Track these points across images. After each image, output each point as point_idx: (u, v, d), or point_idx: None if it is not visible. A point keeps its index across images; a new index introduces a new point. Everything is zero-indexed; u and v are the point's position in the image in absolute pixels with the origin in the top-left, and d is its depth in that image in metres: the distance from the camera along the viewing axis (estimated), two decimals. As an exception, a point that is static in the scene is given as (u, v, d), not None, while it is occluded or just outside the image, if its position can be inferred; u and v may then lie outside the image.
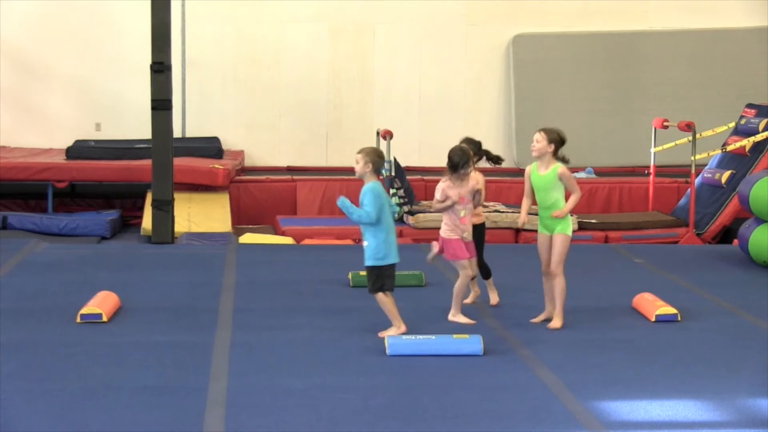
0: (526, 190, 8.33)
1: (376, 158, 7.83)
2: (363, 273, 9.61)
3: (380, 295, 7.93)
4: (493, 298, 9.01)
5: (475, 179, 8.51)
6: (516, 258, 11.33)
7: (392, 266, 7.92)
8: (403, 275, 9.72)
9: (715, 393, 6.70)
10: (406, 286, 9.58)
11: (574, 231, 13.07)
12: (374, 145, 14.40)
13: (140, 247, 12.30)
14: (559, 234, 8.23)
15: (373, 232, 7.78)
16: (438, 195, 8.35)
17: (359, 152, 7.83)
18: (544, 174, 8.19)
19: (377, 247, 7.82)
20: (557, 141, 8.24)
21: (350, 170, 13.27)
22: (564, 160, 8.26)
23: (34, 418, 6.08)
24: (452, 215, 8.31)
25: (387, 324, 8.10)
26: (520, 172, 16.38)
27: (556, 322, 8.21)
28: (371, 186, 7.78)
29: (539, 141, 8.24)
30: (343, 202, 7.74)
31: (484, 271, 8.98)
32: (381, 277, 7.88)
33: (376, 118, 16.51)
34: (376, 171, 7.85)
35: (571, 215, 8.70)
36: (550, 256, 8.28)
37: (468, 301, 8.81)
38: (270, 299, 9.14)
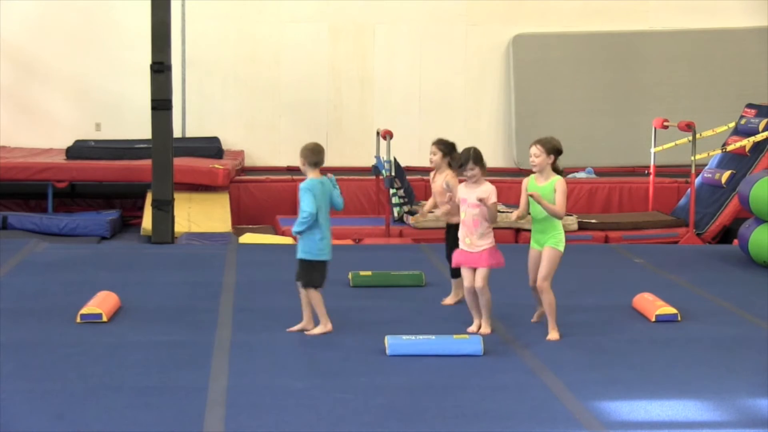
0: (522, 203, 8.01)
1: (307, 153, 7.89)
2: (363, 273, 9.68)
3: (311, 291, 7.96)
4: (451, 298, 8.81)
5: (451, 176, 8.37)
6: (516, 258, 11.31)
7: (324, 263, 7.94)
8: (403, 275, 9.74)
9: (715, 393, 6.70)
10: (406, 286, 9.58)
11: (573, 231, 13.26)
12: (374, 145, 14.44)
13: (140, 247, 12.30)
14: (548, 247, 7.97)
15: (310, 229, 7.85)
16: None
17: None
18: (542, 185, 7.92)
19: (310, 243, 7.85)
20: (556, 151, 7.98)
21: (351, 170, 13.36)
22: (560, 172, 8.00)
23: (34, 418, 6.08)
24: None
25: (385, 323, 8.11)
26: (519, 172, 16.39)
27: (553, 335, 7.95)
28: (305, 184, 7.82)
29: (538, 155, 7.91)
30: (294, 230, 7.89)
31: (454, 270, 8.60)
32: (313, 272, 7.92)
33: (376, 118, 16.51)
34: (314, 164, 7.88)
35: (563, 221, 8.43)
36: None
37: (448, 301, 8.75)
38: (270, 299, 9.15)
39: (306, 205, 7.76)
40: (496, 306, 8.86)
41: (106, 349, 7.47)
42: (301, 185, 7.85)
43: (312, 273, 7.92)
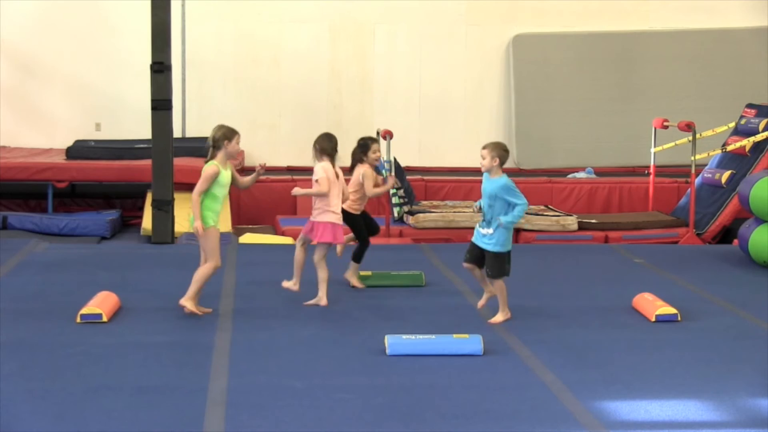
0: None
1: (503, 153, 8.24)
2: (363, 273, 9.68)
3: (499, 281, 8.51)
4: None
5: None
6: (515, 258, 11.32)
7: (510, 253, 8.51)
8: (403, 275, 9.73)
9: (715, 393, 6.70)
10: (406, 286, 9.58)
11: (573, 231, 13.28)
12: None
13: (140, 247, 12.30)
14: None
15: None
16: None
17: None
18: None
19: (506, 236, 8.34)
20: None
21: (351, 170, 13.31)
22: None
23: (34, 418, 6.08)
24: None
25: (385, 323, 8.12)
26: (520, 172, 16.41)
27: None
28: (510, 181, 8.30)
29: None
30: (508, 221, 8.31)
31: None
32: (505, 264, 8.45)
33: (376, 118, 16.51)
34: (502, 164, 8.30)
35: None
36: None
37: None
38: (270, 299, 9.14)
39: (521, 199, 8.17)
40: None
41: (106, 349, 7.47)
42: (507, 182, 8.18)
43: (504, 264, 8.32)
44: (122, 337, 7.81)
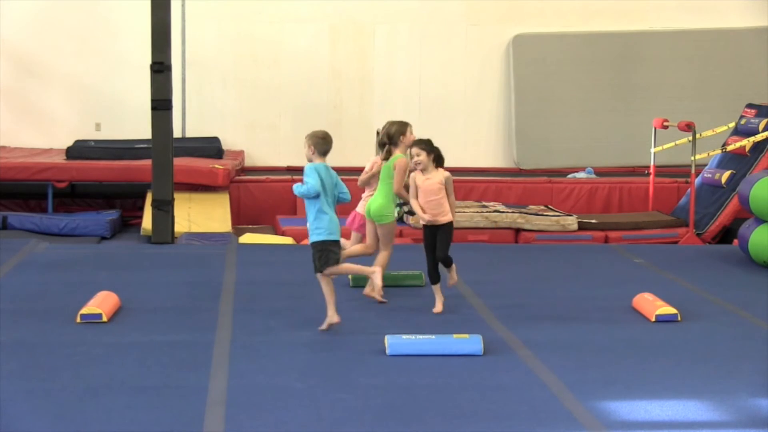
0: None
1: (317, 141, 8.07)
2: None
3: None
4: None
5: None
6: (516, 258, 11.34)
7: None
8: (403, 275, 9.73)
9: (715, 393, 6.70)
10: (406, 286, 9.58)
11: (573, 231, 13.27)
12: (374, 145, 14.42)
13: (140, 247, 12.30)
14: None
15: None
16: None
17: None
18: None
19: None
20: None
21: (350, 170, 13.35)
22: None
23: (34, 418, 6.09)
24: None
25: (385, 323, 8.11)
26: (520, 172, 16.41)
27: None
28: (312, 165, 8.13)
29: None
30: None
31: None
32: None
33: (376, 119, 16.47)
34: (323, 154, 8.12)
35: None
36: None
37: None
38: (270, 299, 9.14)
39: (307, 182, 7.90)
40: (497, 306, 8.87)
41: (106, 349, 7.47)
42: (310, 165, 8.01)
43: (316, 256, 8.00)
44: (122, 337, 7.81)
